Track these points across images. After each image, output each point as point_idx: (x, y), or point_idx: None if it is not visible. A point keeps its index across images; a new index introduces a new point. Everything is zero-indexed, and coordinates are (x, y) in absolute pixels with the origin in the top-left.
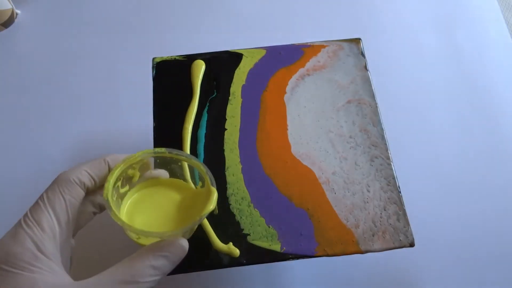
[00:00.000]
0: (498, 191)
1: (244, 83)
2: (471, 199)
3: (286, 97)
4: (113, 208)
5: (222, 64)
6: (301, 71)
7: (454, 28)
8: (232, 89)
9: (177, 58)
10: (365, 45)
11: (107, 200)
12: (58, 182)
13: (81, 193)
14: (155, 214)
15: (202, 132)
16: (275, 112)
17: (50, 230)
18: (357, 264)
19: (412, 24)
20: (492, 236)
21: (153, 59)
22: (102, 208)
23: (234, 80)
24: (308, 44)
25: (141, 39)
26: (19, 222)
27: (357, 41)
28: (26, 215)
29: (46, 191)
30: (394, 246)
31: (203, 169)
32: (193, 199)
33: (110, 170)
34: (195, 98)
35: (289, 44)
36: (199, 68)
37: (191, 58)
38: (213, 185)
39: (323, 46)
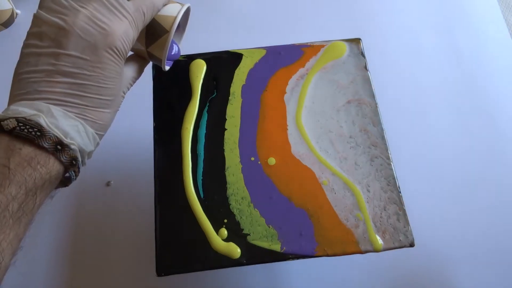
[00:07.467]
0: (497, 190)
1: (244, 83)
2: (471, 199)
3: (286, 97)
4: None
5: (222, 64)
6: (301, 71)
7: (454, 28)
8: (232, 89)
9: None
10: (365, 45)
11: None
12: None
13: None
14: None
15: (202, 132)
16: (275, 112)
17: None
18: (357, 264)
19: (412, 24)
20: (492, 235)
21: None
22: None
23: (234, 80)
24: (308, 44)
25: None
26: None
27: (357, 41)
28: None
29: None
30: (394, 246)
31: None
32: None
33: None
34: (195, 98)
35: (289, 44)
36: (200, 68)
37: (191, 58)
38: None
39: (323, 46)
